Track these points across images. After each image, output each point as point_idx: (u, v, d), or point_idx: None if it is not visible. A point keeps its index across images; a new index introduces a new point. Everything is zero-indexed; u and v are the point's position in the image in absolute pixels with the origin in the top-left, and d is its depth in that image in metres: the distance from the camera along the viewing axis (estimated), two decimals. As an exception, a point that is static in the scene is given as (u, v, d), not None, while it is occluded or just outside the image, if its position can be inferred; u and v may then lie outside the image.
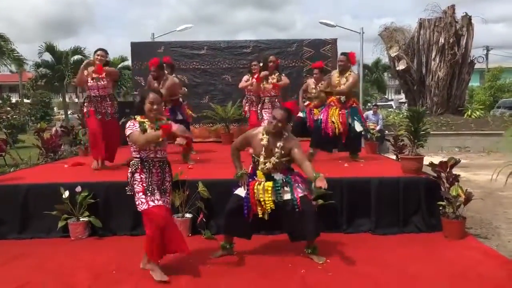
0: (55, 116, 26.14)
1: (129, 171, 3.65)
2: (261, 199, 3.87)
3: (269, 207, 3.86)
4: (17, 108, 19.66)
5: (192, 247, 4.43)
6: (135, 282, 3.60)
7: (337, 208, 4.93)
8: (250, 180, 4.02)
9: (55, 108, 29.29)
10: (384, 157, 7.45)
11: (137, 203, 3.61)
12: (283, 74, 7.57)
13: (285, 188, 3.90)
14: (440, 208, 4.74)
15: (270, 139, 3.93)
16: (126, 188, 3.71)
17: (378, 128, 11.48)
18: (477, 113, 15.67)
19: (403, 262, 4.00)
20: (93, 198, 4.90)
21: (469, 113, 15.69)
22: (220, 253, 4.16)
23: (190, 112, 7.53)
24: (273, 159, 3.90)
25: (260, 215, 3.92)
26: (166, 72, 6.69)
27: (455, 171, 4.80)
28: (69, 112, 28.14)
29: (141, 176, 3.59)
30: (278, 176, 3.93)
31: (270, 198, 3.85)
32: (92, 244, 4.68)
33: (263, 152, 3.92)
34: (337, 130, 6.31)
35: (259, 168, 3.95)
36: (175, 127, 3.60)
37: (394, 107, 29.23)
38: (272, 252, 4.21)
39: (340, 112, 6.37)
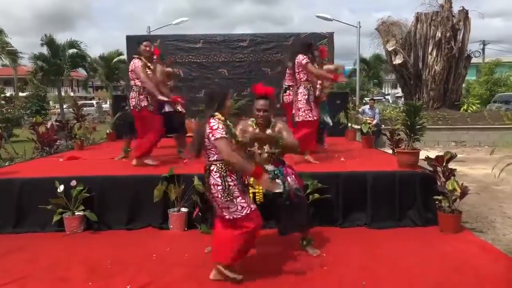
0: (50, 110, 26.00)
1: (216, 176, 3.28)
2: (254, 191, 3.81)
3: (258, 200, 3.80)
4: (12, 102, 19.55)
5: (188, 241, 4.45)
6: (131, 275, 3.59)
7: (333, 202, 4.92)
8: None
9: (50, 102, 29.14)
10: (381, 151, 7.46)
11: (234, 209, 3.27)
12: None
13: (277, 180, 3.88)
14: (436, 202, 4.75)
15: (260, 129, 3.95)
16: (208, 194, 3.46)
17: (374, 122, 11.48)
18: (474, 107, 15.70)
19: (399, 256, 4.00)
20: (88, 192, 4.88)
21: (465, 107, 15.71)
22: None
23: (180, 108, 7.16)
24: (267, 148, 3.90)
25: (258, 202, 3.84)
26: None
27: (451, 165, 4.81)
28: (64, 106, 28.02)
29: (232, 178, 3.30)
30: (270, 168, 3.91)
31: (261, 191, 3.79)
32: (87, 238, 4.67)
33: (256, 143, 3.91)
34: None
35: (257, 160, 3.91)
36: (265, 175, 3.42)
37: (391, 101, 29.28)
38: (267, 247, 4.20)
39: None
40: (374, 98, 19.27)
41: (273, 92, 4.01)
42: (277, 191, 3.86)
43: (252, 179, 3.63)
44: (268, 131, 3.93)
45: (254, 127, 3.98)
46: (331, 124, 6.84)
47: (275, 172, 3.92)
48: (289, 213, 3.89)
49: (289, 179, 3.94)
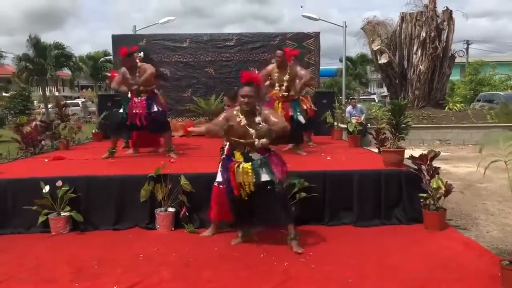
0: (35, 110, 25.68)
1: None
2: (242, 182, 3.91)
3: (248, 189, 3.89)
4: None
5: (175, 241, 4.44)
6: (118, 276, 3.57)
7: (320, 201, 4.94)
8: (228, 161, 4.04)
9: (35, 101, 28.79)
10: (366, 150, 7.51)
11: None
12: None
13: (263, 169, 3.92)
14: (421, 200, 4.80)
15: (247, 118, 3.95)
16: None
17: (362, 118, 11.56)
18: (458, 106, 15.89)
19: (385, 253, 4.04)
20: (74, 193, 4.83)
21: (449, 106, 15.89)
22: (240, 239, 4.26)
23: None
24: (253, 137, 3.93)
25: (244, 196, 3.95)
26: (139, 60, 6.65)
27: (436, 163, 4.87)
28: (49, 106, 27.70)
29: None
30: (256, 156, 3.93)
31: (251, 181, 3.87)
32: (73, 239, 4.62)
33: (252, 131, 3.93)
34: None
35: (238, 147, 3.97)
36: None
37: (377, 100, 29.47)
38: (255, 245, 4.21)
39: (282, 106, 6.53)
40: (361, 97, 19.37)
41: (259, 79, 4.03)
42: (263, 179, 3.89)
43: (241, 176, 3.87)
44: (257, 119, 3.94)
45: (240, 116, 3.96)
46: (304, 122, 6.70)
47: (261, 161, 3.94)
48: (271, 204, 3.92)
49: (275, 167, 3.96)
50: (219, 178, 4.27)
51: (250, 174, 3.91)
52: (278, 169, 3.99)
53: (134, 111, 6.28)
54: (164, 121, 6.69)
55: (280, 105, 6.54)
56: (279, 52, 6.58)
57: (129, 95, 6.54)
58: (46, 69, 25.14)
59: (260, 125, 3.93)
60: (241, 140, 3.93)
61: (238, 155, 4.00)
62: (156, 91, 6.81)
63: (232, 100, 4.86)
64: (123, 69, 6.42)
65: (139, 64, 6.47)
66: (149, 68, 6.44)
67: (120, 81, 6.46)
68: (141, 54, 7.04)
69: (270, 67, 6.76)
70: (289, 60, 6.66)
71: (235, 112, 4.02)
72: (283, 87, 6.56)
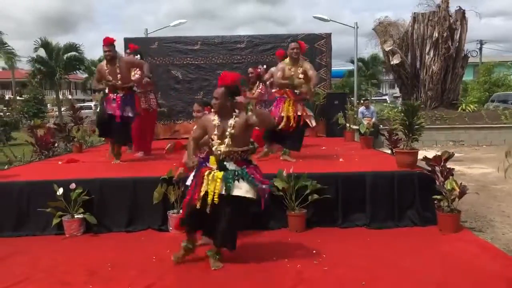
0: (48, 113, 25.97)
1: None
2: (208, 190, 3.59)
3: (210, 199, 3.56)
4: (10, 105, 19.51)
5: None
6: (131, 278, 3.59)
7: (332, 202, 4.92)
8: (202, 165, 3.78)
9: (48, 104, 29.10)
10: (379, 152, 7.47)
11: None
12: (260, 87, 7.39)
13: (237, 183, 3.59)
14: (435, 201, 4.75)
15: (221, 120, 3.70)
16: None
17: (373, 121, 11.49)
18: (471, 106, 15.71)
19: (398, 256, 4.01)
20: (87, 195, 4.87)
21: (463, 106, 15.73)
22: (182, 253, 3.85)
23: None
24: (227, 141, 3.65)
25: (198, 206, 3.61)
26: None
27: (450, 164, 4.82)
28: (62, 109, 27.97)
29: None
30: (231, 166, 3.66)
31: (217, 191, 3.56)
32: (87, 241, 4.67)
33: (216, 133, 3.69)
34: (291, 123, 6.09)
35: (214, 152, 3.72)
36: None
37: (389, 101, 29.29)
38: (267, 248, 4.20)
39: (293, 105, 6.16)
40: (373, 98, 19.25)
41: (232, 79, 3.77)
42: (235, 194, 3.57)
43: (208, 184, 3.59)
44: (230, 122, 3.66)
45: (216, 118, 3.72)
46: (314, 125, 6.53)
47: (237, 172, 3.64)
48: (219, 218, 3.62)
49: (251, 181, 3.63)
50: (188, 181, 3.93)
51: (218, 183, 3.58)
52: (261, 187, 3.68)
53: (108, 109, 6.07)
54: (128, 130, 6.35)
55: (291, 104, 6.16)
56: (293, 44, 6.23)
57: (106, 90, 6.28)
58: (57, 71, 25.31)
59: (229, 129, 3.65)
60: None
61: (212, 160, 3.73)
62: (135, 89, 6.53)
63: (202, 107, 4.67)
64: (101, 65, 6.26)
65: (125, 58, 6.37)
66: (140, 62, 6.39)
67: (98, 78, 6.26)
68: (138, 56, 6.99)
69: (281, 65, 6.35)
70: (303, 51, 6.35)
71: (211, 116, 3.81)
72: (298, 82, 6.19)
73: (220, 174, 3.61)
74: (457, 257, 3.95)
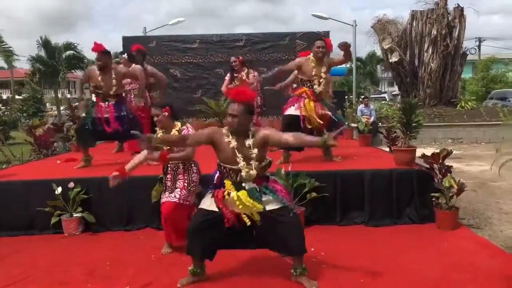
0: (47, 112, 25.94)
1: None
2: (238, 211, 3.25)
3: (256, 218, 3.27)
4: (8, 105, 19.50)
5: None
6: (130, 276, 3.59)
7: (331, 200, 4.93)
8: (213, 189, 3.45)
9: (47, 104, 29.09)
10: (377, 149, 7.47)
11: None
12: (252, 72, 7.36)
13: (265, 197, 3.30)
14: (433, 199, 4.76)
15: (237, 140, 3.30)
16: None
17: (371, 119, 11.51)
18: (470, 104, 15.73)
19: (397, 253, 4.02)
20: (86, 194, 4.88)
21: (462, 104, 15.74)
22: (191, 279, 3.48)
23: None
24: (254, 163, 3.29)
25: (248, 223, 3.25)
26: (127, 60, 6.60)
27: (448, 162, 4.83)
28: (61, 108, 27.95)
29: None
30: (249, 186, 3.29)
31: (255, 210, 3.23)
32: (85, 240, 4.67)
33: (239, 156, 3.27)
34: (314, 124, 5.68)
35: (234, 177, 3.33)
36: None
37: (388, 99, 29.28)
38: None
39: (315, 104, 5.69)
40: (372, 96, 19.26)
41: (250, 98, 3.39)
42: (271, 208, 3.28)
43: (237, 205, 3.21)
44: (248, 142, 3.28)
45: (230, 136, 3.32)
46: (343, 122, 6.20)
47: (257, 190, 3.31)
48: (281, 234, 3.31)
49: (280, 194, 3.37)
50: (202, 204, 3.47)
51: (249, 202, 3.19)
52: (285, 196, 3.41)
53: (99, 117, 5.69)
54: (135, 125, 5.75)
55: (311, 103, 5.68)
56: (319, 42, 5.68)
57: (94, 98, 5.95)
58: (60, 70, 25.24)
59: (251, 150, 3.28)
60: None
61: (228, 185, 3.29)
62: (124, 95, 6.23)
63: (160, 109, 4.00)
64: (91, 69, 5.97)
65: (121, 68, 5.97)
66: (139, 71, 6.20)
67: (86, 81, 6.01)
68: (125, 55, 6.84)
69: (300, 60, 5.80)
70: (330, 49, 5.87)
71: (224, 131, 3.37)
72: (321, 82, 5.70)
73: (244, 193, 3.22)
74: (455, 254, 3.96)
